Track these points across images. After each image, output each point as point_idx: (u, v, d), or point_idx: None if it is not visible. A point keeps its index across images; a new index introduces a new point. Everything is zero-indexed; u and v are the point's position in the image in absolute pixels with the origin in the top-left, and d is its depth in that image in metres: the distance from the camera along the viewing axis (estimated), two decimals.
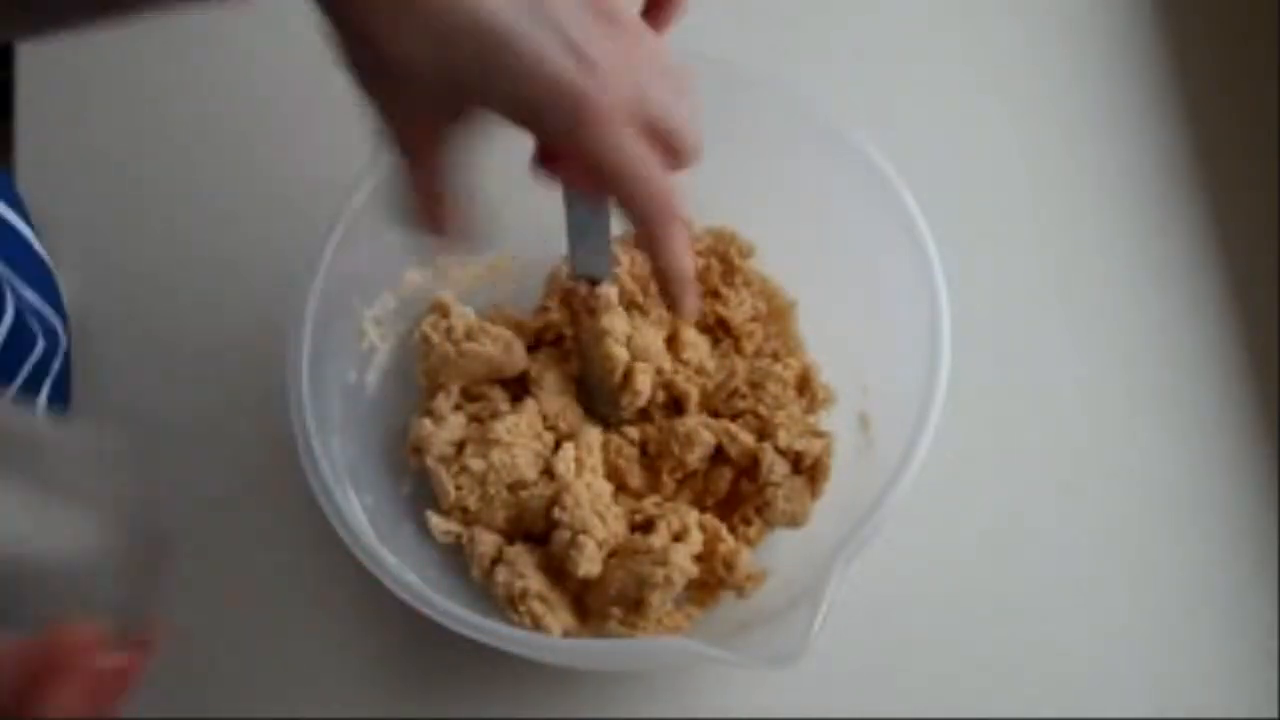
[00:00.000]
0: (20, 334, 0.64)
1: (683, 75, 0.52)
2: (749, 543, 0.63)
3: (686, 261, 0.54)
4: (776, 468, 0.63)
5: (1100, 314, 0.72)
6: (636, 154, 0.50)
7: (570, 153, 0.51)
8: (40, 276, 0.69)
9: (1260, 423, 0.69)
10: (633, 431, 0.65)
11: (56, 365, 0.68)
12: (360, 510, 0.60)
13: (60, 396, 0.69)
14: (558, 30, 0.48)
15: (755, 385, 0.66)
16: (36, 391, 0.67)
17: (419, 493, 0.65)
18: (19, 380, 0.65)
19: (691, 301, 0.56)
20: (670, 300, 0.56)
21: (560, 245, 0.64)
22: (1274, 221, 0.73)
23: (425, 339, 0.65)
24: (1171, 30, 0.78)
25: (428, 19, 0.47)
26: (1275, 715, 0.63)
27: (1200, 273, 0.72)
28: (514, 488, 0.63)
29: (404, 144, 0.51)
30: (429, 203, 0.52)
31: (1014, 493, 0.68)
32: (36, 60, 0.76)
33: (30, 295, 0.66)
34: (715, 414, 0.66)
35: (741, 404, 0.65)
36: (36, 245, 0.70)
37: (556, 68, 0.48)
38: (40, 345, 0.65)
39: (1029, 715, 0.63)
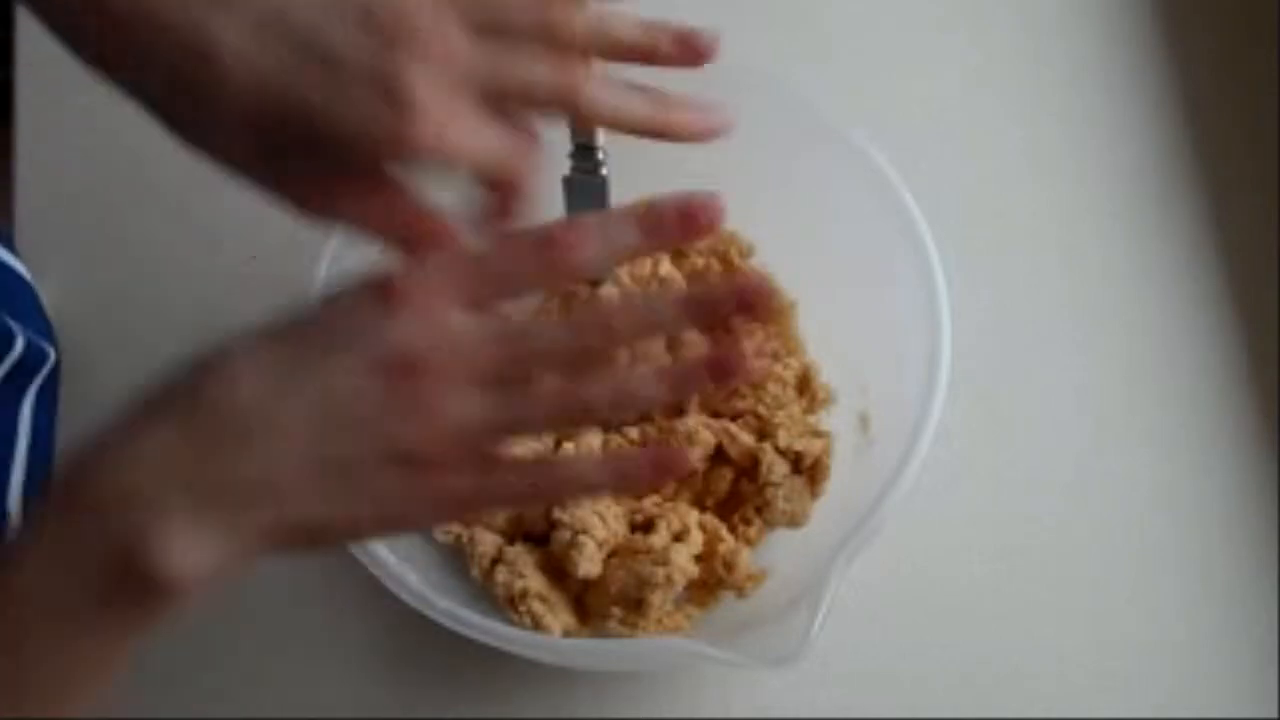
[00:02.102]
0: None
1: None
2: (749, 543, 0.63)
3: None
4: (776, 468, 0.63)
5: (1100, 314, 0.72)
6: (466, 143, 0.44)
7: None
8: (22, 296, 0.69)
9: (1260, 423, 0.69)
10: (633, 431, 0.65)
11: (43, 373, 0.68)
12: None
13: (46, 406, 0.68)
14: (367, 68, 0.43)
15: (755, 385, 0.66)
16: (19, 395, 0.67)
17: None
18: None
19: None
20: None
21: None
22: (1274, 221, 0.73)
23: None
24: (1171, 30, 0.78)
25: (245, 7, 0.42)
26: (1275, 715, 0.63)
27: (1200, 273, 0.72)
28: None
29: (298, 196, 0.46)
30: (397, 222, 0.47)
31: (1014, 492, 0.68)
32: (36, 60, 0.76)
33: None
34: (715, 414, 0.66)
35: (741, 404, 0.65)
36: (18, 266, 0.69)
37: (368, 123, 0.43)
38: (19, 345, 0.65)
39: (1029, 715, 0.63)
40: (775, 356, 0.67)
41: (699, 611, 0.63)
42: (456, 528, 0.63)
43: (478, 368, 0.42)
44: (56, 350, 0.69)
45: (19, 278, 0.69)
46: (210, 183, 0.48)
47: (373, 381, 0.41)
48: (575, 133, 0.59)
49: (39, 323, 0.69)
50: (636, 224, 0.44)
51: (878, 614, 0.64)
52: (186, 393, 0.42)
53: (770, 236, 0.68)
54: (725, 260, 0.68)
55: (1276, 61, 0.76)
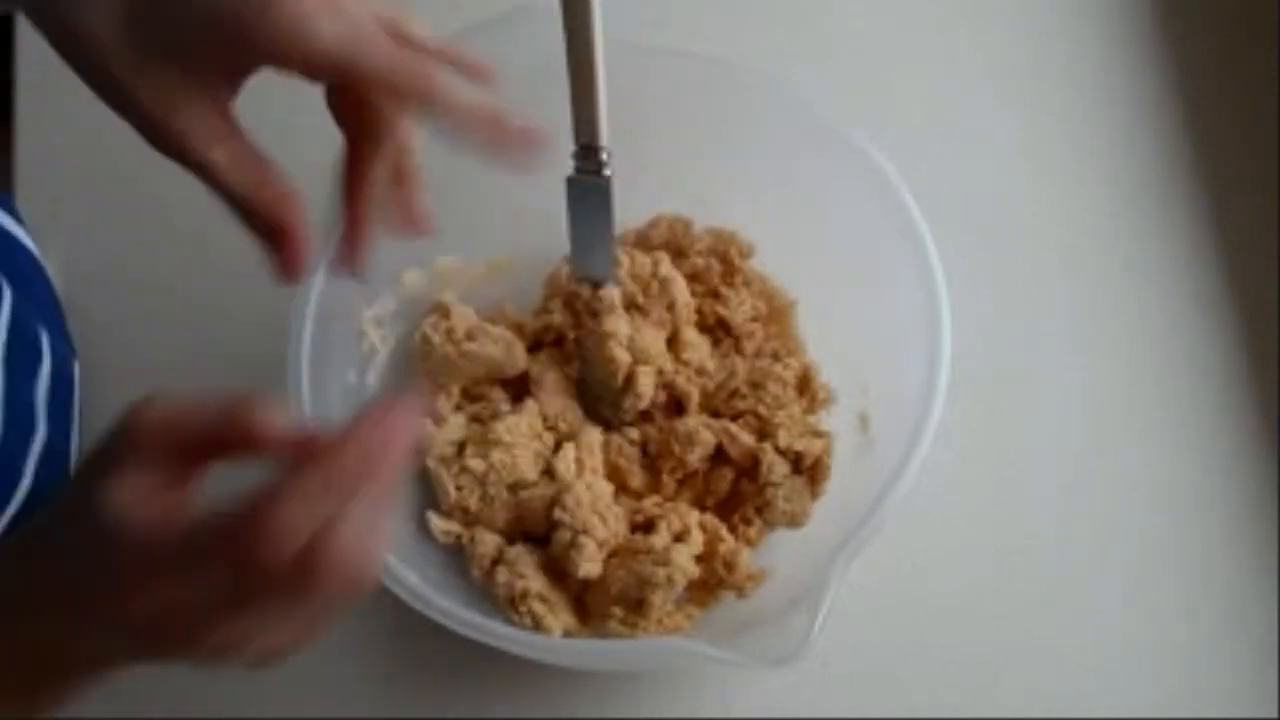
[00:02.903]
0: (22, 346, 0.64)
1: None
2: (749, 543, 0.63)
3: (465, 98, 0.50)
4: (776, 468, 0.63)
5: (1100, 314, 0.72)
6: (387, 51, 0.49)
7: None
8: (48, 302, 0.69)
9: (1260, 423, 0.69)
10: (633, 432, 0.65)
11: (76, 381, 0.68)
12: None
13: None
14: None
15: (755, 385, 0.66)
16: (65, 411, 0.67)
17: (419, 493, 0.65)
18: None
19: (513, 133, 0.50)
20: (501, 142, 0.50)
21: (561, 245, 0.64)
22: (1274, 221, 0.73)
23: (426, 340, 0.65)
24: (1171, 30, 0.78)
25: None
26: (1275, 715, 0.63)
27: (1200, 273, 0.72)
28: (514, 488, 0.63)
29: (204, 135, 0.50)
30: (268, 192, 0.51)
31: (1013, 492, 0.68)
32: (36, 60, 0.76)
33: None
34: (716, 414, 0.66)
35: (742, 404, 0.65)
36: (27, 241, 0.69)
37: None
38: (45, 352, 0.65)
39: (1029, 715, 0.63)
40: (775, 356, 0.67)
41: (699, 611, 0.63)
42: (455, 528, 0.63)
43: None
44: (68, 342, 0.69)
45: (28, 252, 0.69)
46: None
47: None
48: (579, 132, 0.59)
49: (52, 310, 0.69)
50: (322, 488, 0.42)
51: (878, 614, 0.64)
52: None
53: (770, 236, 0.68)
54: (725, 260, 0.68)
55: (1276, 61, 0.76)
